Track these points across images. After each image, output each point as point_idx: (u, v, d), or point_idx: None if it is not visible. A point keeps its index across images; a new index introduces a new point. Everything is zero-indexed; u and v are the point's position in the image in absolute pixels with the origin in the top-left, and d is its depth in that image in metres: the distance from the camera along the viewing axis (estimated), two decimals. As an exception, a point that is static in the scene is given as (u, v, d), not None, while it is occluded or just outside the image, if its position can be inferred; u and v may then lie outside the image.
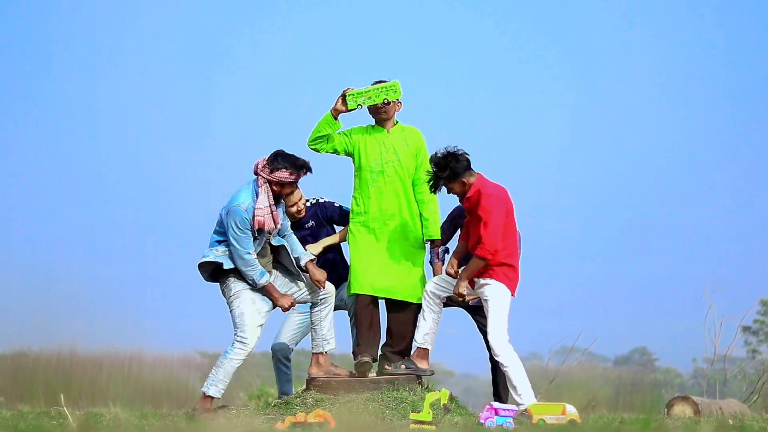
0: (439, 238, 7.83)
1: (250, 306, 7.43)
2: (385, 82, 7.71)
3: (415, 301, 7.77)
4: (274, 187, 7.37)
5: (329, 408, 7.25)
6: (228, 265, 7.35)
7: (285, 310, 7.55)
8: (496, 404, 6.97)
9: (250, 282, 7.38)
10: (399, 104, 7.82)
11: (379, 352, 7.83)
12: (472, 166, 7.43)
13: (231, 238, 7.31)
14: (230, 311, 7.47)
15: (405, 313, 7.79)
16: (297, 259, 7.60)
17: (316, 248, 7.94)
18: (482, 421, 6.88)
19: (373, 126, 7.84)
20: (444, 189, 7.46)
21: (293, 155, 7.39)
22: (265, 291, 7.45)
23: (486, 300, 7.47)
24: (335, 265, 8.07)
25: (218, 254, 7.38)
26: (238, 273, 7.40)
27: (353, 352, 7.81)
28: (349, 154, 7.78)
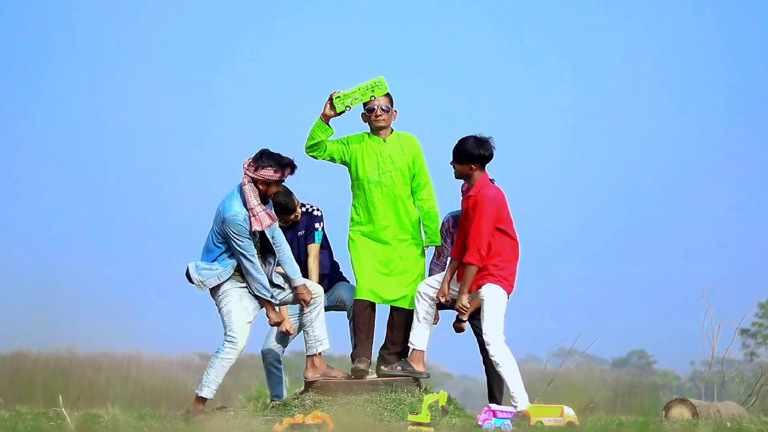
0: (440, 243, 7.86)
1: (237, 304, 7.44)
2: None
3: (407, 307, 7.78)
4: (260, 186, 7.36)
5: (327, 409, 7.24)
6: (223, 277, 7.41)
7: (271, 325, 7.61)
8: (494, 406, 6.98)
9: (253, 290, 7.42)
10: (395, 113, 7.81)
11: (377, 355, 7.86)
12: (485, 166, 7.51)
13: (236, 248, 7.33)
14: (219, 310, 7.49)
15: (404, 317, 7.80)
16: (289, 278, 7.59)
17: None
18: (480, 423, 6.89)
19: (369, 135, 7.82)
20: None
21: (278, 154, 7.38)
22: (260, 302, 7.50)
23: (482, 299, 7.48)
24: (327, 268, 8.11)
25: (212, 272, 7.42)
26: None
27: (351, 356, 7.83)
28: (345, 163, 7.78)
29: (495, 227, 7.43)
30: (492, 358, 7.41)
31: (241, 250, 7.34)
